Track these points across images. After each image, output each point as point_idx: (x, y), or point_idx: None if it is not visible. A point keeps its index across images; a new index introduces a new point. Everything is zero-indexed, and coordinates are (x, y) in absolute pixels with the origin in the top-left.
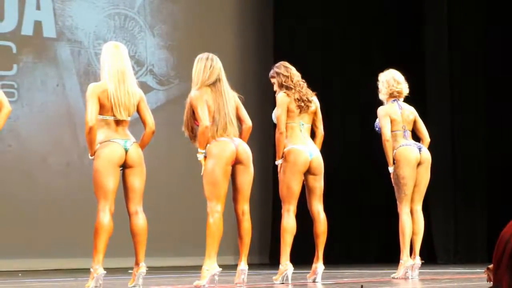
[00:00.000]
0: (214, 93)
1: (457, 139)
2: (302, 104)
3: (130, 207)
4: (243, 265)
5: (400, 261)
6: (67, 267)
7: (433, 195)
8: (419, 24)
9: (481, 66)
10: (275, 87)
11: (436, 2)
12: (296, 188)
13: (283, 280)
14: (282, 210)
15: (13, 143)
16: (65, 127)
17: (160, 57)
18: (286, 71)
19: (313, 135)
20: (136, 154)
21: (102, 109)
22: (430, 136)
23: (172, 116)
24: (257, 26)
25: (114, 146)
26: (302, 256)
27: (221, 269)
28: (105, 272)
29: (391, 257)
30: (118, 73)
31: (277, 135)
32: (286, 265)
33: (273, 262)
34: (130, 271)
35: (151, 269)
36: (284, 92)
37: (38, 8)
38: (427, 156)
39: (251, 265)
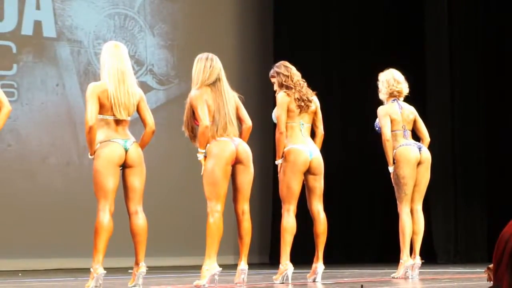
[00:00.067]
0: (214, 92)
1: (457, 139)
2: (302, 103)
3: (130, 207)
4: (243, 265)
5: (400, 260)
6: (67, 266)
7: (433, 195)
8: (419, 24)
9: (482, 66)
10: (275, 87)
11: (436, 2)
12: (296, 188)
13: (283, 280)
14: (282, 210)
15: (13, 143)
16: (65, 127)
17: (160, 57)
18: (286, 70)
19: (313, 135)
20: (136, 154)
21: (102, 108)
22: (430, 136)
23: (172, 115)
24: (257, 26)
25: (114, 146)
26: (302, 256)
27: (221, 268)
28: (105, 272)
29: (391, 257)
30: (118, 73)
31: (277, 135)
32: (286, 264)
33: (273, 261)
34: (130, 271)
35: (151, 269)
36: (284, 92)
37: (38, 8)
38: (427, 155)
39: (251, 265)
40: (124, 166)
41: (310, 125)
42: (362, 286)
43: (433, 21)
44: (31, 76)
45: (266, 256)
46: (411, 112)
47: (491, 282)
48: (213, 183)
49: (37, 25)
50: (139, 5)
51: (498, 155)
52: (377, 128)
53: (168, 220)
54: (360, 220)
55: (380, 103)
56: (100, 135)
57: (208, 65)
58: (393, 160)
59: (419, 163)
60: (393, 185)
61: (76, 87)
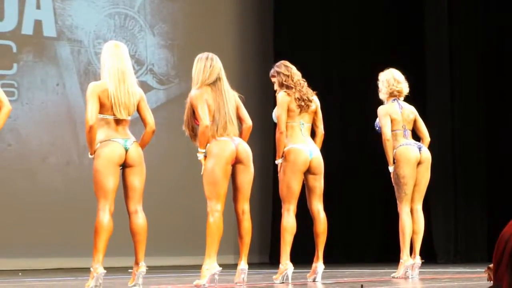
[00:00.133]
0: (214, 92)
1: (457, 139)
2: (303, 103)
3: (130, 206)
4: (243, 265)
5: (400, 260)
6: (67, 266)
7: (433, 195)
8: (419, 24)
9: (482, 66)
10: (276, 87)
11: (436, 2)
12: (296, 188)
13: (283, 280)
14: (282, 210)
15: (13, 142)
16: (65, 126)
17: (160, 57)
18: (286, 70)
19: (313, 134)
20: (136, 153)
21: (102, 108)
22: (430, 136)
23: (172, 115)
24: (257, 26)
25: (114, 146)
26: (302, 256)
27: (221, 268)
28: (105, 271)
29: (391, 257)
30: (119, 73)
31: (277, 134)
32: (286, 264)
33: (273, 261)
34: (130, 270)
35: (151, 269)
36: (285, 92)
37: (38, 7)
38: (427, 155)
39: (251, 265)
40: (124, 165)
41: (310, 124)
42: (362, 286)
43: (433, 21)
44: (31, 76)
45: (266, 255)
46: (411, 111)
47: (491, 282)
48: (213, 183)
49: (37, 24)
50: (139, 4)
51: (498, 155)
52: (377, 128)
53: (168, 220)
54: (360, 220)
55: (380, 102)
56: (100, 134)
57: (208, 65)
58: (393, 159)
59: (419, 163)
60: (393, 184)
61: (76, 87)
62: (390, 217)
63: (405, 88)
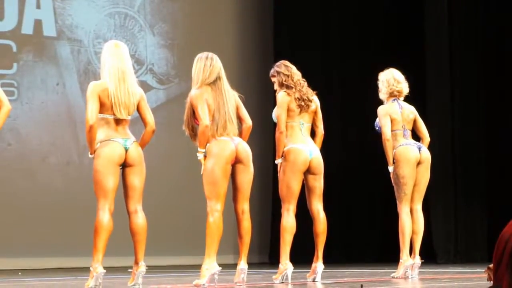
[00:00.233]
0: (214, 91)
1: (457, 139)
2: (303, 103)
3: (130, 206)
4: (242, 264)
5: (400, 260)
6: (67, 266)
7: (433, 195)
8: (419, 24)
9: (482, 66)
10: (276, 86)
11: (436, 2)
12: (296, 188)
13: (282, 279)
14: (282, 209)
15: (13, 142)
16: (65, 126)
17: (160, 56)
18: (286, 70)
19: (313, 134)
20: (136, 153)
21: (102, 107)
22: (430, 136)
23: (172, 115)
24: (257, 26)
25: (114, 146)
26: (302, 255)
27: (220, 268)
28: (105, 271)
29: (390, 257)
30: (119, 72)
31: (277, 134)
32: (285, 264)
33: (273, 261)
34: (129, 270)
35: (151, 268)
36: (285, 91)
37: (38, 7)
38: (427, 155)
39: (250, 264)
40: (124, 165)
41: (310, 124)
42: (362, 285)
43: (433, 21)
44: (31, 75)
45: (265, 255)
46: (411, 111)
47: (491, 282)
48: (213, 183)
49: (37, 24)
50: (139, 4)
51: (498, 155)
52: (377, 128)
53: (167, 220)
54: (360, 220)
55: (380, 102)
56: (100, 134)
57: (208, 64)
58: (393, 159)
59: (418, 163)
60: (393, 184)
61: (76, 86)
62: (390, 217)
63: (405, 88)
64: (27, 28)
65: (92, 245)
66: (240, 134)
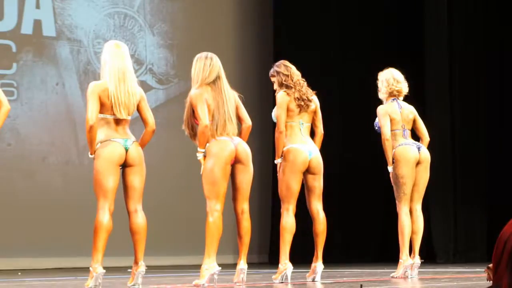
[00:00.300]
0: (214, 91)
1: (457, 138)
2: (302, 103)
3: (130, 205)
4: (242, 264)
5: (400, 260)
6: (66, 266)
7: (433, 195)
8: (419, 24)
9: (481, 66)
10: (275, 86)
11: (436, 2)
12: (296, 188)
13: (282, 279)
14: (282, 209)
15: (13, 142)
16: (64, 126)
17: (160, 56)
18: (286, 70)
19: (312, 134)
20: (136, 153)
21: (102, 107)
22: (430, 136)
23: (171, 115)
24: (256, 25)
25: (115, 146)
26: (302, 255)
27: (220, 268)
28: (105, 271)
29: (390, 256)
30: (119, 72)
31: (276, 134)
32: (285, 264)
33: (273, 261)
34: (129, 270)
35: (150, 268)
36: (284, 91)
37: (37, 7)
38: (426, 155)
39: (250, 264)
40: (125, 165)
41: (310, 124)
42: (361, 285)
43: (433, 21)
44: (30, 75)
45: (265, 255)
46: (410, 111)
47: (491, 281)
48: (213, 183)
49: (37, 24)
50: (139, 4)
51: (497, 155)
52: (376, 128)
53: (167, 219)
54: (359, 219)
55: (380, 102)
56: (101, 134)
57: (208, 64)
58: (392, 159)
59: (418, 163)
60: (392, 184)
61: (75, 86)
62: (389, 217)
63: (404, 87)
64: (27, 28)
65: (91, 245)
66: (239, 134)
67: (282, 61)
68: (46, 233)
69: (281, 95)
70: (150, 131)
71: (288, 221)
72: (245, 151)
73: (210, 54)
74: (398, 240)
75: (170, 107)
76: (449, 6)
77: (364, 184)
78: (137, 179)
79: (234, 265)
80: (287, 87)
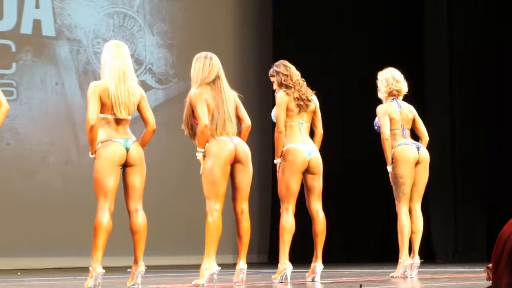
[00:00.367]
0: (214, 91)
1: (457, 138)
2: (302, 103)
3: (130, 205)
4: (242, 264)
5: (399, 260)
6: (66, 265)
7: (432, 194)
8: (419, 24)
9: (481, 66)
10: (275, 86)
11: (436, 2)
12: (295, 187)
13: (282, 279)
14: (281, 209)
15: (12, 142)
16: (64, 126)
17: (159, 56)
18: (285, 70)
19: (312, 134)
20: (137, 153)
21: (102, 107)
22: (429, 136)
23: (171, 115)
24: (256, 25)
25: (115, 146)
26: (301, 255)
27: (220, 268)
28: (104, 270)
29: (390, 256)
30: (119, 72)
31: (276, 134)
32: (285, 264)
33: (272, 261)
34: (129, 270)
35: (150, 268)
36: (284, 91)
37: (37, 6)
38: (425, 155)
39: (250, 264)
40: (125, 165)
41: (309, 124)
42: (361, 285)
43: (433, 21)
44: (30, 75)
45: (265, 255)
46: (410, 111)
47: (490, 281)
48: (212, 182)
49: (36, 24)
50: (138, 4)
51: (497, 155)
52: (376, 127)
53: (167, 219)
54: (359, 219)
55: (379, 102)
56: (101, 134)
57: (207, 63)
58: (392, 159)
59: (417, 163)
60: (392, 184)
61: (75, 86)
62: (389, 217)
63: (404, 87)
64: (26, 28)
65: (91, 245)
66: (239, 134)
67: (281, 61)
68: (46, 233)
69: (280, 95)
70: (150, 130)
71: (288, 221)
72: (245, 151)
73: (209, 54)
74: (397, 240)
75: (169, 107)
76: (449, 6)
77: (364, 184)
78: (137, 179)
79: (233, 265)
80: (287, 87)
